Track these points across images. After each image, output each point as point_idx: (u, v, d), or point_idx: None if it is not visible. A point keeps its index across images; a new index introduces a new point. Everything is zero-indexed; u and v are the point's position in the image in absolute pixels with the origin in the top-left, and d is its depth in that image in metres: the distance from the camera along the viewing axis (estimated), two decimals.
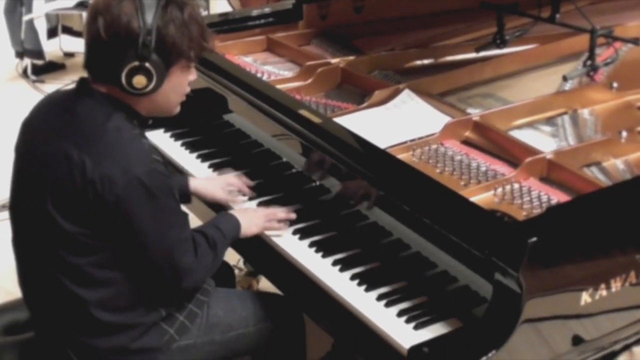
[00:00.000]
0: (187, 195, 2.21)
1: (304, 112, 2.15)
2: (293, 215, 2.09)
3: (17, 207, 1.87)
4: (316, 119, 2.11)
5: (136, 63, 1.69)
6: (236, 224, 2.01)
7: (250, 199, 2.22)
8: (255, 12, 2.86)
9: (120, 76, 1.70)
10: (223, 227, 1.97)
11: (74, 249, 1.75)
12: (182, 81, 1.81)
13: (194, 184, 2.22)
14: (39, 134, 1.80)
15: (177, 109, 1.87)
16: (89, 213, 1.71)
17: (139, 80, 1.71)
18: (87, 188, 1.68)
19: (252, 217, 2.06)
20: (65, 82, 5.53)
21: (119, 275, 1.78)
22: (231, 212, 2.07)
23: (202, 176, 2.33)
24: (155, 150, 1.80)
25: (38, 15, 5.54)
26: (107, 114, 1.74)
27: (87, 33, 1.73)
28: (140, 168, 1.69)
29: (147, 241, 1.74)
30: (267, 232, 2.05)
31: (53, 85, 5.51)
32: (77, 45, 6.03)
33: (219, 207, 2.24)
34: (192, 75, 1.84)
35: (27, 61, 5.65)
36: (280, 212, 2.08)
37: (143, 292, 1.83)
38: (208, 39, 1.79)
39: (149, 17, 1.68)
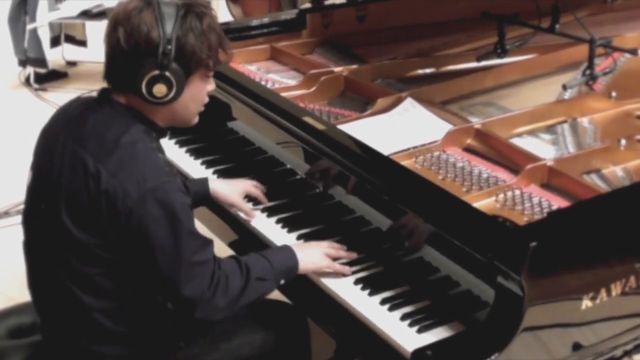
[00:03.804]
0: (208, 198, 2.22)
1: (308, 119, 2.18)
2: (354, 255, 1.99)
3: (31, 211, 1.88)
4: (320, 126, 2.14)
5: (156, 72, 1.71)
6: (290, 255, 1.92)
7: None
8: (258, 21, 2.89)
9: (141, 85, 1.72)
10: (271, 256, 1.90)
11: (84, 257, 1.75)
12: (201, 90, 1.82)
13: (213, 185, 2.23)
14: (58, 141, 1.80)
15: (196, 119, 1.88)
16: (102, 223, 1.71)
17: (159, 89, 1.73)
18: (101, 198, 1.69)
19: (310, 252, 1.95)
20: (67, 91, 5.56)
21: (128, 287, 1.79)
22: (289, 245, 1.98)
23: (217, 179, 2.34)
24: (171, 165, 1.79)
25: (42, 24, 5.58)
26: (125, 126, 1.75)
27: (107, 43, 1.75)
28: (154, 182, 1.69)
29: (157, 257, 1.71)
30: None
31: (55, 93, 5.55)
32: (80, 54, 6.07)
33: (225, 214, 2.27)
34: (211, 85, 1.85)
35: (30, 69, 5.68)
36: (342, 252, 1.99)
37: (151, 304, 1.85)
38: (226, 48, 1.81)
39: (169, 27, 1.70)
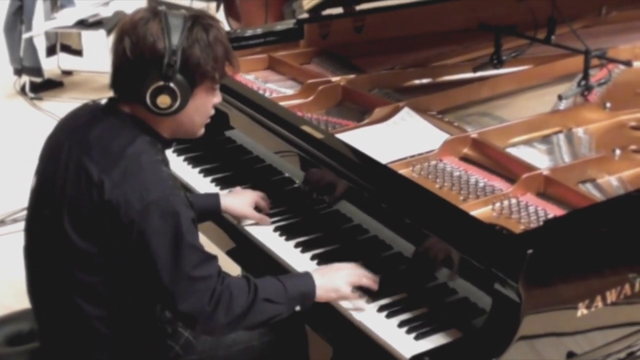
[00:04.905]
0: (218, 213, 2.22)
1: (306, 128, 2.19)
2: (375, 286, 1.89)
3: (34, 217, 1.89)
4: (318, 135, 2.16)
5: (161, 83, 1.71)
6: (307, 281, 1.86)
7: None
8: (256, 31, 2.91)
9: (145, 96, 1.72)
10: (287, 280, 1.85)
11: (85, 265, 1.76)
12: (207, 103, 1.82)
13: (225, 200, 2.21)
14: (63, 147, 1.80)
15: (202, 131, 1.88)
16: (104, 233, 1.72)
17: (163, 100, 1.73)
18: (104, 208, 1.70)
19: (332, 278, 1.87)
20: (63, 100, 5.58)
21: (128, 296, 1.80)
22: (310, 271, 1.90)
23: (225, 192, 2.32)
24: (175, 178, 1.78)
25: (38, 33, 5.59)
26: (131, 137, 1.75)
27: (114, 53, 1.75)
28: (157, 194, 1.69)
29: (157, 269, 1.70)
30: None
31: (51, 102, 5.56)
32: (75, 63, 6.09)
33: (223, 222, 2.28)
34: (217, 98, 1.85)
35: (26, 78, 5.69)
36: (365, 279, 1.89)
37: (150, 313, 1.85)
38: (233, 60, 1.81)
39: (175, 38, 1.70)
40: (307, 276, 1.87)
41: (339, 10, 2.97)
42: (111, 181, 1.70)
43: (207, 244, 2.12)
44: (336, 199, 2.11)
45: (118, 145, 1.74)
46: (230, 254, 2.31)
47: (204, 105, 1.82)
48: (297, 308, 1.85)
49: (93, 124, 1.80)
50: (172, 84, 1.72)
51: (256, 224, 2.22)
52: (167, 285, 1.71)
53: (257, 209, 2.24)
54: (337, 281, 1.87)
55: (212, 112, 1.87)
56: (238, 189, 2.30)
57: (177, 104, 1.75)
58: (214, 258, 1.78)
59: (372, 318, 1.84)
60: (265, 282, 1.84)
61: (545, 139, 2.35)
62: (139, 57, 1.71)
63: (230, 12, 5.17)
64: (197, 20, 1.75)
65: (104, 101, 1.86)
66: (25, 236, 1.91)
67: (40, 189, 1.86)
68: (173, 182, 1.76)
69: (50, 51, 5.92)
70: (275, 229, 2.18)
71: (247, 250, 2.20)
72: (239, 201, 2.22)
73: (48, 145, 1.88)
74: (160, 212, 1.69)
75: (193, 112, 1.80)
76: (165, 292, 1.73)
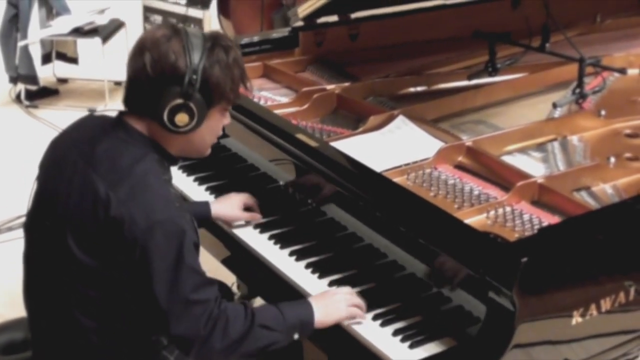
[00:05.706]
0: (207, 220, 2.23)
1: (301, 136, 2.19)
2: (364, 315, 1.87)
3: (33, 224, 1.87)
4: (313, 143, 2.16)
5: (180, 101, 1.71)
6: (306, 309, 1.84)
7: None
8: (251, 39, 2.91)
9: (163, 113, 1.71)
10: (285, 307, 1.83)
11: (84, 279, 1.75)
12: (219, 123, 1.83)
13: (214, 209, 2.22)
14: (68, 158, 1.79)
15: (209, 151, 1.88)
16: (106, 249, 1.71)
17: (181, 118, 1.72)
18: (109, 225, 1.68)
19: (331, 303, 1.86)
20: (58, 108, 5.58)
21: (126, 309, 1.78)
22: (309, 300, 1.88)
23: (214, 200, 2.32)
24: (182, 200, 1.78)
25: (33, 40, 5.59)
26: (139, 154, 1.74)
27: (131, 67, 1.74)
28: (163, 214, 1.68)
29: (155, 289, 1.69)
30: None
31: (46, 110, 5.56)
32: (71, 71, 6.09)
33: (218, 231, 2.28)
34: (227, 119, 1.85)
35: (21, 86, 5.69)
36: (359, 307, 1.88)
37: (147, 325, 1.84)
38: (247, 83, 1.82)
39: (196, 57, 1.70)
40: (306, 304, 1.86)
41: (334, 18, 2.97)
42: (117, 198, 1.69)
43: (202, 252, 2.11)
44: (330, 207, 2.11)
45: (126, 161, 1.73)
46: (225, 262, 2.31)
47: (216, 125, 1.83)
48: (296, 336, 1.83)
49: (101, 137, 1.78)
50: (191, 103, 1.72)
51: (248, 223, 2.23)
52: (163, 307, 1.70)
53: (248, 209, 2.25)
54: (336, 308, 1.85)
55: (221, 132, 1.87)
56: (228, 195, 2.30)
57: (194, 122, 1.75)
58: (213, 283, 1.77)
59: (367, 326, 1.84)
60: (263, 309, 1.84)
61: (540, 147, 2.35)
62: (159, 74, 1.70)
63: (223, 11, 5.19)
64: (217, 40, 1.75)
65: (107, 113, 1.85)
66: (24, 241, 1.89)
67: (42, 198, 1.85)
68: (180, 203, 1.75)
69: (46, 59, 5.92)
70: (270, 237, 2.18)
71: (241, 258, 2.20)
72: (228, 206, 2.24)
73: (51, 154, 1.86)
74: (164, 232, 1.68)
75: (205, 132, 1.81)
76: (161, 314, 1.71)
